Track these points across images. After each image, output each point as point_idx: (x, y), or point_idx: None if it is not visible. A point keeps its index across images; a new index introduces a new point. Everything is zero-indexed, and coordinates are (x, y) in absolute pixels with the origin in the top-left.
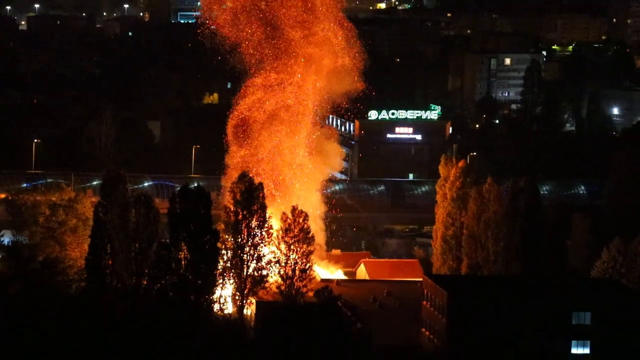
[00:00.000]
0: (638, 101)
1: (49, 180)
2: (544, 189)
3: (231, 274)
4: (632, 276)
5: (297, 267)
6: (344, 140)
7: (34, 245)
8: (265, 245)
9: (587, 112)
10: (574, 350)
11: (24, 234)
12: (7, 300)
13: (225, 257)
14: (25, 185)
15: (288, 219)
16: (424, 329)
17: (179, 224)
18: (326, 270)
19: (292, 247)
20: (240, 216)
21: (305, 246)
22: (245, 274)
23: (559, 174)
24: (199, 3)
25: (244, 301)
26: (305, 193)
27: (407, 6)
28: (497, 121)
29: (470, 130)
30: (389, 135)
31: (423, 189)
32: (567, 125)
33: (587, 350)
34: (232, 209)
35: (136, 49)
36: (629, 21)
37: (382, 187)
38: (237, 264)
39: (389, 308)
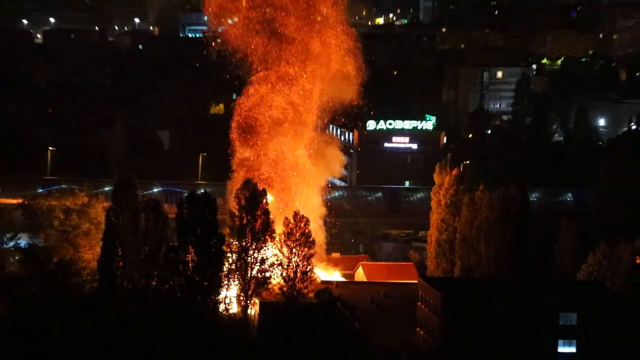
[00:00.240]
0: (623, 113)
1: (63, 186)
2: (534, 196)
3: (236, 275)
4: (616, 279)
5: (298, 270)
6: (344, 149)
7: (49, 248)
8: (268, 249)
9: (575, 123)
10: (560, 349)
11: (39, 237)
12: (23, 300)
13: (230, 260)
14: (40, 190)
15: (290, 224)
16: (419, 329)
17: (187, 228)
18: (326, 273)
19: (293, 250)
20: (245, 221)
21: (306, 249)
22: (249, 275)
23: (547, 181)
24: (205, 18)
25: (248, 302)
26: (307, 197)
27: (404, 22)
28: (489, 131)
29: (463, 140)
30: (386, 145)
31: (418, 195)
32: (556, 135)
33: (573, 349)
34: (236, 214)
35: (146, 62)
36: (614, 37)
37: (379, 194)
38: (242, 266)
39: (386, 309)
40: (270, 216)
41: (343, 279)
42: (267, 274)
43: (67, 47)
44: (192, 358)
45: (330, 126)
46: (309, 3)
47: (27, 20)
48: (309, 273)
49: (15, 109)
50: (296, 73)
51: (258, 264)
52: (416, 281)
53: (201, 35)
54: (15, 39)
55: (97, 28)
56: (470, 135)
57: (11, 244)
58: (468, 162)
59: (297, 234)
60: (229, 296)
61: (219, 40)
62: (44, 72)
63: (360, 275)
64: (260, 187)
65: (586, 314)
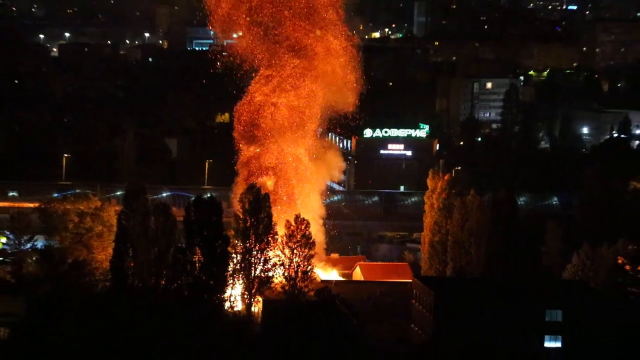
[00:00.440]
0: (605, 122)
1: (77, 190)
2: (521, 200)
3: (240, 275)
4: (599, 279)
5: (299, 270)
6: (342, 155)
7: (64, 249)
8: (270, 250)
9: (560, 131)
10: (547, 345)
11: (55, 239)
12: (39, 298)
13: (235, 260)
14: (56, 195)
15: (292, 226)
16: (413, 325)
17: (194, 230)
18: (325, 272)
19: (295, 251)
20: (249, 223)
21: (306, 250)
22: (252, 275)
23: (534, 186)
24: (212, 32)
25: (252, 300)
26: (307, 200)
27: (399, 35)
28: (479, 139)
29: (455, 147)
30: (382, 151)
31: (413, 199)
32: (542, 143)
33: (559, 344)
34: (241, 217)
35: (156, 74)
36: (597, 50)
37: (376, 198)
38: (246, 266)
39: (382, 306)
40: (273, 219)
41: (341, 278)
42: (270, 274)
43: (81, 60)
44: (199, 353)
45: (329, 134)
46: (310, 9)
47: (44, 35)
48: (309, 273)
49: (33, 118)
50: (301, 74)
51: (261, 264)
52: (411, 280)
53: (208, 48)
54: (33, 52)
55: (109, 42)
56: (461, 143)
57: (28, 245)
58: (459, 168)
59: (298, 236)
60: (234, 294)
61: (224, 53)
62: (59, 84)
63: (357, 274)
64: (263, 191)
65: (571, 311)
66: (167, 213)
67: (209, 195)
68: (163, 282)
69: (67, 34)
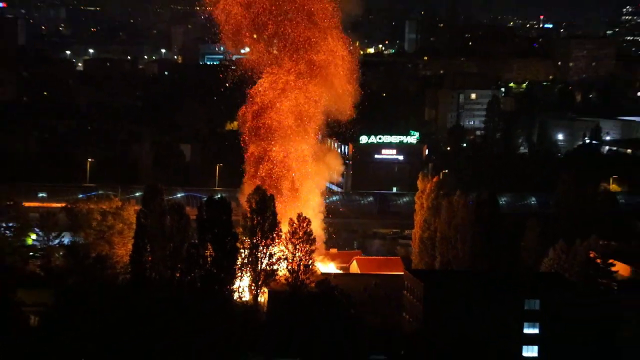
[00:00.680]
0: (578, 129)
1: (100, 192)
2: (502, 200)
3: (248, 268)
4: (573, 271)
5: (301, 263)
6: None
7: (88, 245)
8: (275, 245)
9: (538, 137)
10: (526, 331)
11: (80, 236)
12: (66, 289)
13: (243, 255)
14: (81, 196)
15: (294, 224)
16: (404, 314)
17: (206, 227)
18: (325, 266)
19: (297, 247)
20: (255, 222)
21: (308, 246)
22: (259, 268)
23: (514, 187)
24: (222, 48)
25: (259, 291)
26: (309, 199)
27: (391, 51)
28: (464, 145)
29: (443, 152)
30: (376, 156)
31: (404, 199)
32: (521, 148)
33: (536, 331)
34: (248, 216)
35: (171, 86)
36: (571, 65)
37: (371, 198)
38: (253, 260)
39: (377, 297)
40: (277, 217)
41: (340, 271)
42: (275, 267)
43: (104, 74)
44: (211, 339)
45: (328, 140)
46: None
47: (70, 51)
48: (310, 266)
49: (61, 127)
50: (304, 76)
51: (267, 258)
52: (402, 273)
53: (218, 63)
54: (60, 67)
55: (129, 58)
56: (448, 148)
57: (56, 241)
58: (447, 171)
59: (301, 233)
60: (242, 286)
61: (233, 67)
62: (84, 96)
63: (354, 268)
64: (269, 192)
65: (548, 300)
66: (181, 212)
67: (219, 196)
68: (178, 275)
69: (91, 50)
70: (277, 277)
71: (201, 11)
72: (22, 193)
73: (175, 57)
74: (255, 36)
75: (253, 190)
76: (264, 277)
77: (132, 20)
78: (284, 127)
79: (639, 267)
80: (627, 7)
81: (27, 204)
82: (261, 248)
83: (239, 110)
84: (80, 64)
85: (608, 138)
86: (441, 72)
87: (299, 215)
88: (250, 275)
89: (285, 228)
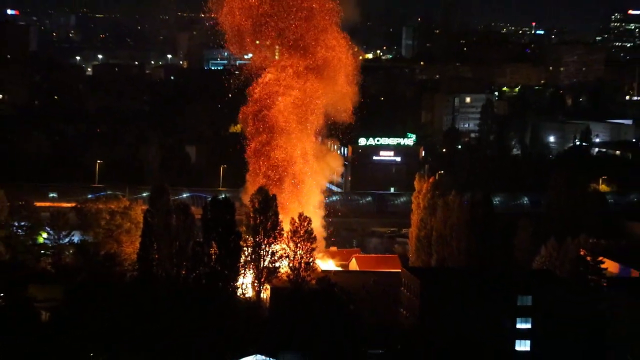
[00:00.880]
0: (569, 132)
1: (108, 192)
2: (496, 200)
3: (251, 266)
4: (564, 268)
5: (302, 261)
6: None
7: (97, 243)
8: (277, 244)
9: (530, 140)
10: (518, 326)
11: (89, 234)
12: (76, 286)
13: (246, 253)
14: (90, 196)
15: (296, 223)
16: (402, 310)
17: (210, 226)
18: (325, 263)
19: (298, 245)
20: (258, 221)
21: (309, 244)
22: (262, 266)
23: (508, 188)
24: (226, 54)
25: (261, 287)
26: (310, 198)
27: (389, 56)
28: (459, 147)
29: (438, 153)
30: (374, 157)
31: (402, 199)
32: (514, 150)
33: (529, 325)
34: (251, 215)
35: (177, 90)
36: (561, 69)
37: (369, 198)
38: (256, 258)
39: (375, 293)
40: (279, 216)
41: (339, 269)
42: (277, 265)
43: (112, 78)
44: (215, 334)
45: (328, 142)
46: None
47: (80, 57)
48: (311, 264)
49: (71, 130)
50: (306, 74)
51: (269, 256)
52: (400, 270)
53: (222, 68)
54: (70, 72)
55: (136, 63)
56: (444, 150)
57: (66, 240)
58: (442, 172)
59: (302, 232)
60: (245, 283)
61: (237, 73)
62: (93, 100)
63: (353, 265)
64: (271, 190)
65: (539, 296)
66: (186, 212)
67: (223, 196)
68: (183, 272)
69: (100, 56)
70: (279, 274)
71: (206, 18)
72: (33, 193)
73: (181, 62)
74: (257, 42)
75: (256, 190)
76: (266, 274)
77: (139, 27)
78: (285, 125)
79: (628, 265)
80: (616, 14)
81: (38, 204)
82: (264, 246)
83: (241, 110)
84: (89, 69)
85: (597, 140)
86: (437, 76)
87: (300, 215)
88: (253, 272)
89: (286, 226)
